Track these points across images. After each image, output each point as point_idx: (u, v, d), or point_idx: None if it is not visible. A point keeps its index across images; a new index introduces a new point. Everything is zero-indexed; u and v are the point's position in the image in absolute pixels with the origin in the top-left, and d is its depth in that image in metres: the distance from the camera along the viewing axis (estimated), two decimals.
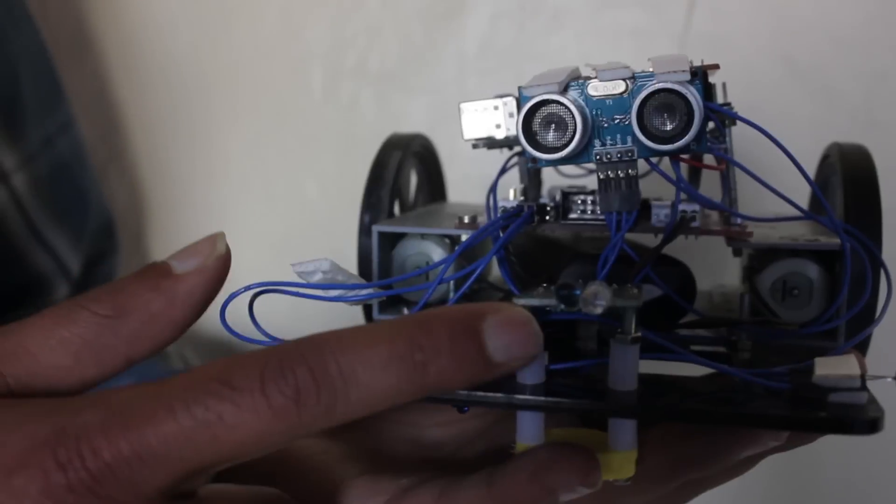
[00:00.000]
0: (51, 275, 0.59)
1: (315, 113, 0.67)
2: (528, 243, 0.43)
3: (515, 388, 0.29)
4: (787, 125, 0.57)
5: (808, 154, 0.45)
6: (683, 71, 0.31)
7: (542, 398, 0.28)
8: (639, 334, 0.28)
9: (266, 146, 0.68)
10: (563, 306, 0.28)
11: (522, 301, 0.29)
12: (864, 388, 0.28)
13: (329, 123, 0.66)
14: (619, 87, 0.33)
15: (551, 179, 0.45)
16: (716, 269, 0.44)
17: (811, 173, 0.45)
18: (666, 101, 0.31)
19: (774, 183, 0.36)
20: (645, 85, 0.32)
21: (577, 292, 0.27)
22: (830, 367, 0.28)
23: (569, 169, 0.44)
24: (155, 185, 0.72)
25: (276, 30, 0.67)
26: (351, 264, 0.36)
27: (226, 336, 0.72)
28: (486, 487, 0.30)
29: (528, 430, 0.30)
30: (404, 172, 0.42)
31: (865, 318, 0.34)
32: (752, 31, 0.58)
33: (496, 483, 0.29)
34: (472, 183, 0.49)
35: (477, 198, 0.55)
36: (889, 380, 0.29)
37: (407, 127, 0.64)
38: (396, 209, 0.42)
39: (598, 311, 0.27)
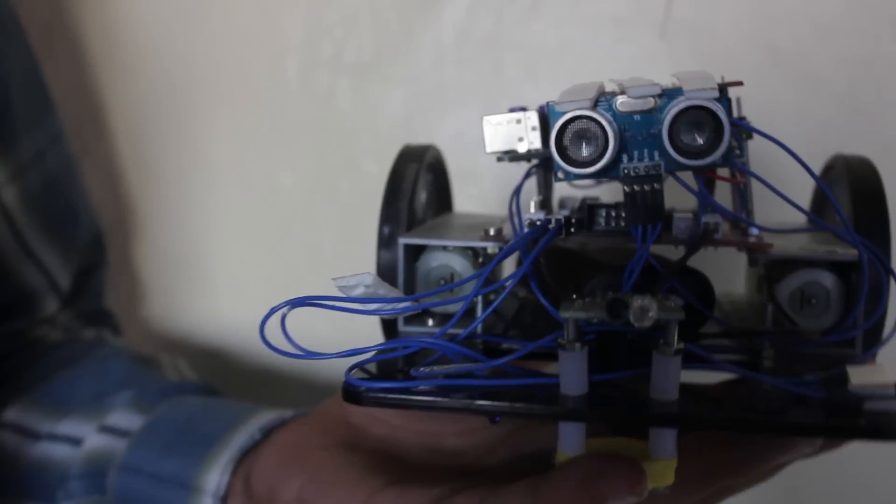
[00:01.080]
0: (41, 290, 0.58)
1: (291, 104, 0.66)
2: (544, 255, 0.44)
3: (559, 400, 0.30)
4: (769, 113, 0.57)
5: (793, 144, 0.46)
6: (713, 88, 0.32)
7: (592, 409, 0.29)
8: (682, 346, 0.29)
9: (242, 137, 0.68)
10: (609, 319, 0.29)
11: (569, 314, 0.29)
12: None
13: (305, 114, 0.66)
14: (648, 103, 0.33)
15: (560, 190, 0.45)
16: (723, 279, 0.45)
17: (805, 170, 0.46)
18: (696, 118, 0.32)
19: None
20: (673, 101, 0.32)
21: (628, 307, 0.28)
22: (865, 376, 0.29)
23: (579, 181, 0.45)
24: (130, 177, 0.71)
25: (251, 20, 0.66)
26: (326, 256, 0.36)
27: (218, 347, 0.72)
28: (531, 497, 0.30)
29: (571, 441, 0.31)
30: (419, 184, 0.42)
31: (878, 326, 0.36)
32: (733, 18, 0.58)
33: (542, 492, 0.30)
34: (453, 177, 0.49)
35: (462, 190, 0.54)
36: None
37: (384, 118, 0.64)
38: None
39: (649, 323, 0.28)
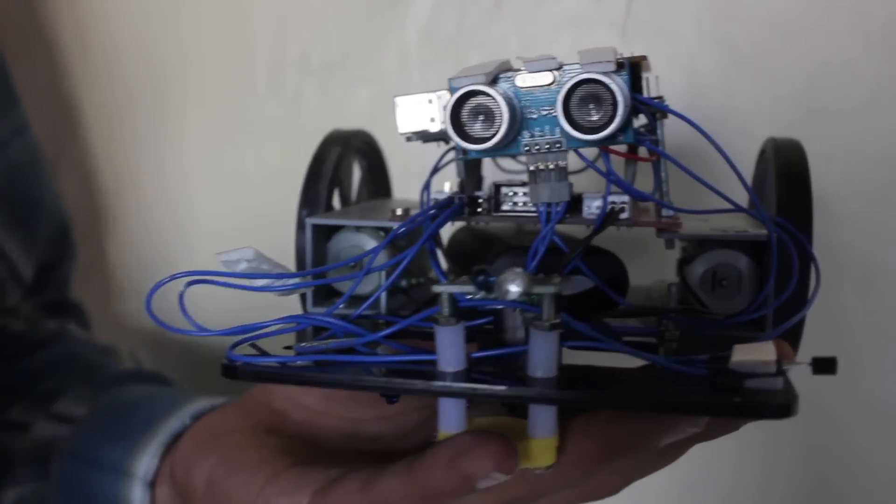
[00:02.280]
0: (2, 279, 0.58)
1: (260, 105, 0.67)
2: (469, 239, 0.44)
3: (436, 376, 0.29)
4: (729, 113, 0.57)
5: (753, 142, 0.45)
6: (608, 61, 0.31)
7: (459, 385, 0.28)
8: (557, 321, 0.28)
9: (213, 137, 0.68)
10: (482, 293, 0.28)
11: (442, 288, 0.29)
12: (780, 373, 0.28)
13: (273, 115, 0.66)
14: (546, 78, 0.33)
15: (494, 175, 0.45)
16: (663, 266, 0.45)
17: (752, 165, 0.45)
18: (591, 92, 0.31)
19: (715, 177, 0.36)
20: (571, 76, 0.32)
21: (493, 279, 0.27)
22: (747, 354, 0.28)
23: (509, 164, 0.44)
24: (105, 178, 0.72)
25: (220, 22, 0.67)
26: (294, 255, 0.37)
27: (187, 337, 0.72)
28: (406, 475, 0.30)
29: (450, 418, 0.30)
30: (345, 167, 0.42)
31: (794, 307, 0.34)
32: (693, 19, 0.58)
33: (416, 470, 0.29)
34: (415, 176, 0.49)
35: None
36: (805, 365, 0.29)
37: (351, 118, 0.64)
38: (339, 205, 0.42)
39: (512, 296, 0.27)
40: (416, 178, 0.51)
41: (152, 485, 0.44)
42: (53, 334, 0.59)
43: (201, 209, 0.70)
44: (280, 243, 0.67)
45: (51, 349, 0.57)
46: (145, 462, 0.44)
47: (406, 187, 0.50)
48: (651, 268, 0.45)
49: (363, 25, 0.64)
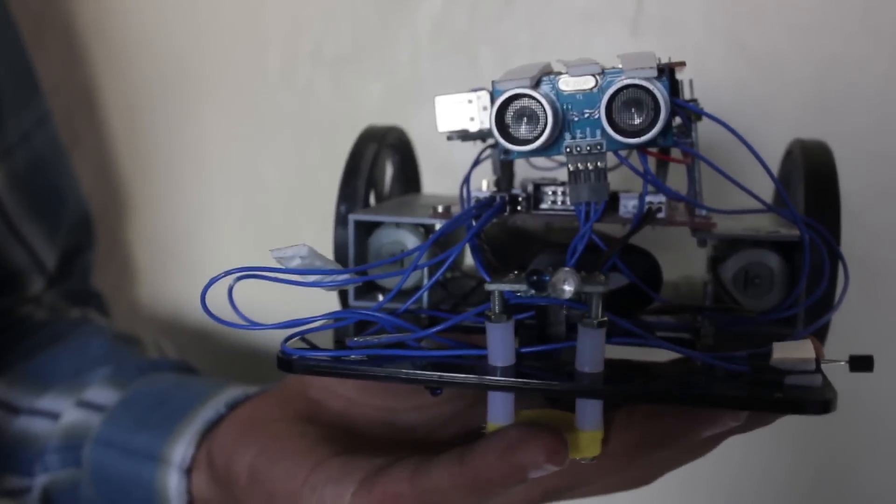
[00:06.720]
0: (26, 269, 0.59)
1: (273, 96, 0.68)
2: (501, 234, 0.45)
3: (487, 370, 0.30)
4: (739, 110, 0.58)
5: (761, 138, 0.46)
6: (651, 67, 0.32)
7: (512, 379, 0.29)
8: (605, 318, 0.30)
9: (228, 128, 0.69)
10: (533, 291, 0.29)
11: (494, 286, 0.30)
12: (818, 370, 0.29)
13: (287, 107, 0.67)
14: (588, 82, 0.34)
15: (524, 171, 0.46)
16: (687, 261, 0.46)
17: (769, 161, 0.46)
18: (634, 97, 0.32)
19: (740, 175, 0.37)
20: (614, 80, 0.33)
21: (546, 278, 0.28)
22: (787, 352, 0.30)
23: (540, 161, 0.45)
24: (121, 165, 0.73)
25: (235, 13, 0.68)
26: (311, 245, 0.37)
27: (200, 325, 0.73)
28: (458, 465, 0.31)
29: (499, 411, 0.31)
30: (380, 163, 0.43)
31: (823, 306, 0.36)
32: (703, 14, 0.58)
33: (468, 461, 0.30)
34: (429, 168, 0.50)
35: (439, 183, 0.56)
36: (842, 363, 0.30)
37: (361, 110, 0.65)
38: (372, 200, 0.43)
39: (566, 295, 0.28)
40: (429, 167, 0.52)
41: (188, 471, 0.45)
42: (77, 322, 0.60)
43: (216, 198, 0.70)
44: (290, 231, 0.68)
45: (74, 338, 0.58)
46: (181, 449, 0.45)
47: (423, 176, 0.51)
48: (676, 262, 0.46)
49: (375, 19, 0.65)
